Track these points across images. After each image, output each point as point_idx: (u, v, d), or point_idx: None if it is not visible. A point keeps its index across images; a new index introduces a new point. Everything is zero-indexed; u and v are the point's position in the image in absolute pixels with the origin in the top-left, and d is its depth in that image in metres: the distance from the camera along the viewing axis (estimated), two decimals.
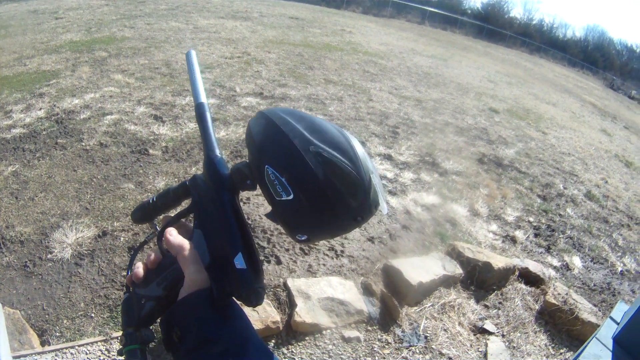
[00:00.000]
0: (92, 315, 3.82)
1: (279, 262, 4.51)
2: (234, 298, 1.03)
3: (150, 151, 6.58)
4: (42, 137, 6.64)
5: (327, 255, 4.74)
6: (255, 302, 1.00)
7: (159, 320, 1.06)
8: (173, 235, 1.09)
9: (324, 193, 0.97)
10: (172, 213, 1.26)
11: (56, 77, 9.70)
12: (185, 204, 1.24)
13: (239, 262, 1.00)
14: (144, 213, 1.29)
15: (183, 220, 1.23)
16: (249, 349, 0.96)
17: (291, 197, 0.98)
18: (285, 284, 4.16)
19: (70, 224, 4.85)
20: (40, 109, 7.80)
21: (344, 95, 10.54)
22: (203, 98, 1.32)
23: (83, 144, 6.63)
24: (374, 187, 1.01)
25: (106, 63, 11.00)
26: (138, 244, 1.57)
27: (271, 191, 1.01)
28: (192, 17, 19.65)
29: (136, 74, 10.11)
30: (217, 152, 1.22)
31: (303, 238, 1.04)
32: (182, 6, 23.27)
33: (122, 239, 4.73)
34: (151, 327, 1.07)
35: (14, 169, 5.82)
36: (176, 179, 6.01)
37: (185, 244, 1.06)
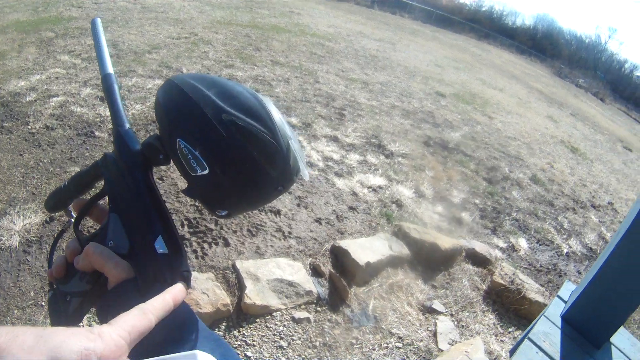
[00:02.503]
0: (43, 304, 3.77)
1: (227, 244, 4.47)
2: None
3: (97, 133, 6.47)
4: None
5: (274, 236, 4.72)
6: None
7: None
8: (73, 253, 0.98)
9: (241, 165, 0.92)
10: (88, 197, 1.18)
11: (2, 59, 9.49)
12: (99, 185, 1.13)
13: (160, 245, 0.95)
14: (57, 200, 1.23)
15: (100, 203, 1.16)
16: (190, 333, 0.92)
17: (206, 171, 0.92)
18: (234, 266, 4.13)
19: (17, 210, 4.72)
20: None
21: (291, 77, 10.53)
22: (110, 69, 1.25)
23: (29, 127, 6.48)
24: (294, 153, 0.97)
25: (53, 44, 10.75)
26: (55, 236, 1.38)
27: (185, 166, 0.94)
28: None
29: (83, 55, 9.89)
30: (127, 125, 1.13)
31: (223, 213, 1.00)
32: None
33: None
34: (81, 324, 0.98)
35: None
36: None
37: (89, 249, 0.94)
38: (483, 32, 48.95)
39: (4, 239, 4.34)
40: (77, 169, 5.52)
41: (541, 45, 54.58)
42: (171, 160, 1.00)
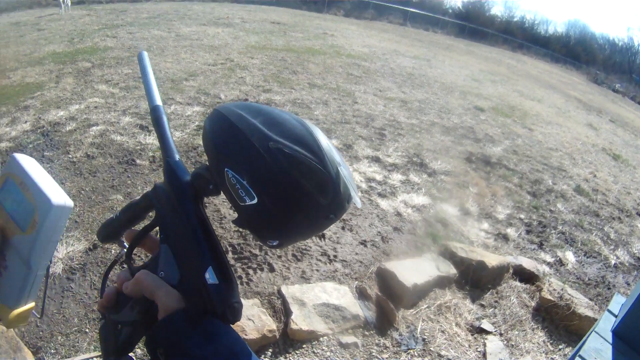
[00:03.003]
0: (87, 330, 3.77)
1: (272, 270, 4.47)
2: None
3: (138, 161, 6.53)
4: (28, 150, 6.62)
5: (320, 260, 4.71)
6: (232, 318, 0.95)
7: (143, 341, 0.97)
8: (123, 280, 0.99)
9: (290, 193, 0.89)
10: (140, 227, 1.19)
11: (40, 89, 9.65)
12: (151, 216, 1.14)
13: (210, 276, 0.94)
14: (109, 231, 1.22)
15: (152, 233, 1.17)
16: None
17: (255, 201, 0.90)
18: (279, 292, 4.12)
19: (60, 238, 4.72)
20: (26, 121, 7.75)
21: (329, 98, 10.55)
22: (158, 100, 1.28)
23: (70, 156, 6.59)
24: (344, 180, 0.92)
25: (90, 74, 10.95)
26: (107, 266, 1.46)
27: (234, 196, 0.93)
28: (173, 25, 19.61)
29: (120, 84, 10.08)
30: (176, 157, 1.15)
31: (275, 243, 0.97)
32: (164, 14, 23.25)
33: (113, 251, 4.65)
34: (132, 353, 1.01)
35: None
36: None
37: (138, 277, 0.97)
38: (516, 42, 48.57)
39: None
40: (120, 197, 5.69)
41: (575, 52, 53.93)
42: (221, 191, 1.00)
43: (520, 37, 50.72)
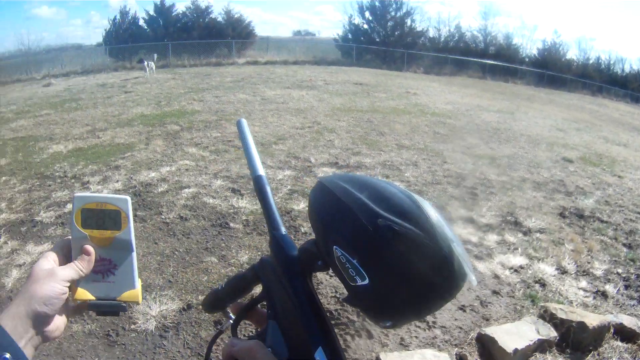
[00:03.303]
0: None
1: (370, 336, 4.49)
2: None
3: (231, 224, 6.76)
4: None
5: (419, 327, 4.77)
6: None
7: None
8: (236, 345, 0.97)
9: (402, 274, 0.85)
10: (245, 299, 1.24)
11: (130, 150, 10.21)
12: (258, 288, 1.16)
13: (320, 357, 0.92)
14: (215, 302, 1.28)
15: (259, 306, 1.20)
16: None
17: (367, 282, 0.86)
18: (377, 359, 4.11)
19: (153, 296, 5.00)
20: (117, 181, 8.26)
21: (418, 159, 10.67)
22: (261, 170, 1.31)
23: (163, 216, 6.92)
24: (457, 257, 0.86)
25: (179, 136, 11.52)
26: (212, 336, 1.54)
27: (344, 275, 0.90)
28: (258, 88, 20.24)
29: (210, 147, 10.51)
30: (282, 230, 1.17)
31: (388, 324, 0.93)
32: (247, 78, 23.90)
33: (207, 315, 4.74)
34: None
35: None
36: (259, 253, 5.97)
37: (253, 347, 0.95)
38: (595, 86, 47.35)
39: (139, 322, 4.61)
40: (214, 259, 5.87)
41: None
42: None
43: (598, 80, 49.53)
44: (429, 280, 0.84)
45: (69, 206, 7.16)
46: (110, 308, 1.10)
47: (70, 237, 1.10)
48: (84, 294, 1.07)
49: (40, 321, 0.93)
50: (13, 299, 0.96)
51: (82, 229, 1.08)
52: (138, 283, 1.13)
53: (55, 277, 0.98)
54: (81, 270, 1.04)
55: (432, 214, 0.88)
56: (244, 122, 1.52)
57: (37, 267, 0.99)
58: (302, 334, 0.96)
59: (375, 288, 0.86)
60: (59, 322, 1.00)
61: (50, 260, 1.03)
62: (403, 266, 0.84)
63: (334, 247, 0.90)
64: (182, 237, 6.41)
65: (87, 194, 1.09)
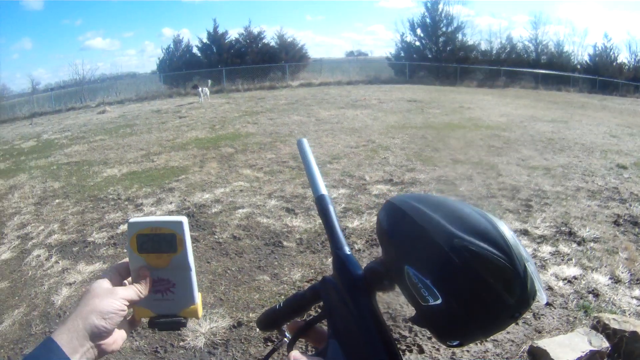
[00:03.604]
0: None
1: (421, 351, 4.50)
2: None
3: (284, 243, 6.90)
4: None
5: None
6: None
7: None
8: (300, 359, 0.94)
9: (477, 294, 0.84)
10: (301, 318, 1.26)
11: (185, 173, 10.57)
12: (315, 308, 1.19)
13: None
14: (271, 320, 1.30)
15: (316, 325, 1.21)
16: None
17: (439, 301, 0.86)
18: None
19: (203, 314, 5.02)
20: (171, 202, 8.54)
21: (473, 173, 10.72)
22: (323, 190, 1.30)
23: (216, 236, 7.12)
24: (530, 276, 0.86)
25: (233, 158, 11.85)
26: (266, 354, 1.42)
27: (415, 295, 0.89)
28: (312, 109, 20.58)
29: (264, 168, 10.79)
30: (347, 249, 1.16)
31: (455, 343, 0.91)
32: (301, 100, 24.25)
33: (257, 330, 4.78)
34: None
35: None
36: (312, 271, 6.12)
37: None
38: None
39: (188, 339, 4.73)
40: (267, 278, 6.00)
41: None
42: (395, 286, 1.00)
43: None
44: (502, 299, 0.84)
45: (122, 227, 7.54)
46: (170, 324, 1.14)
47: (125, 259, 1.14)
48: (145, 312, 1.13)
49: (97, 335, 0.96)
50: (69, 314, 1.00)
51: (138, 254, 1.10)
52: (198, 298, 1.16)
53: (115, 294, 1.02)
54: (140, 293, 1.08)
55: (508, 234, 0.87)
56: (305, 141, 1.49)
57: (96, 284, 1.04)
58: (366, 353, 0.96)
59: (448, 308, 0.85)
60: (117, 336, 1.04)
61: (107, 280, 1.06)
62: (479, 287, 0.84)
63: (406, 266, 0.90)
64: (235, 256, 6.59)
65: (141, 219, 1.11)
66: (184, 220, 1.11)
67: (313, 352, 1.10)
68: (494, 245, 0.84)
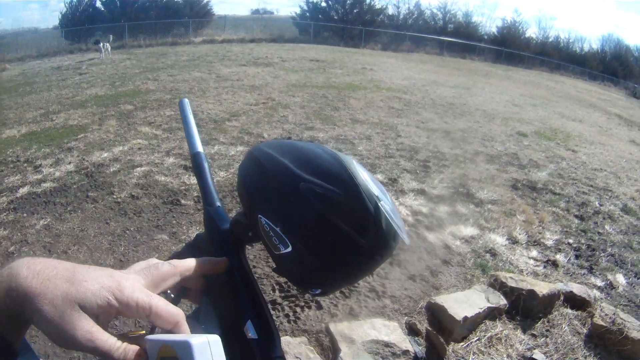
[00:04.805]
0: None
1: (319, 307, 4.46)
2: None
3: (182, 201, 6.69)
4: (72, 190, 6.86)
5: (368, 296, 4.72)
6: None
7: None
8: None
9: (325, 238, 0.80)
10: None
11: (84, 132, 9.98)
12: None
13: (250, 330, 0.91)
14: None
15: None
16: None
17: (289, 249, 0.82)
18: (327, 329, 4.09)
19: None
20: (70, 162, 8.02)
21: (372, 133, 10.65)
22: (199, 147, 1.29)
23: (114, 196, 6.79)
24: (385, 216, 0.81)
25: (132, 116, 11.34)
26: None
27: (268, 244, 0.86)
28: (214, 66, 20.10)
29: (163, 126, 10.38)
30: (217, 203, 1.13)
31: (317, 292, 0.89)
32: (203, 57, 23.84)
33: None
34: None
35: (45, 223, 5.97)
36: None
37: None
38: (553, 63, 48.11)
39: None
40: (165, 237, 5.80)
41: (612, 67, 52.92)
42: None
43: (557, 58, 50.27)
44: (355, 242, 0.80)
45: (22, 190, 7.01)
46: None
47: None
48: None
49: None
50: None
51: None
52: None
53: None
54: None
55: (358, 172, 0.83)
56: (186, 101, 1.43)
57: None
58: (233, 308, 0.95)
59: (299, 255, 0.82)
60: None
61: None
62: (326, 230, 0.80)
63: (259, 216, 0.87)
64: (134, 215, 6.31)
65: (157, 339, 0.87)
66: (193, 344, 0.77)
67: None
68: (340, 185, 0.81)
